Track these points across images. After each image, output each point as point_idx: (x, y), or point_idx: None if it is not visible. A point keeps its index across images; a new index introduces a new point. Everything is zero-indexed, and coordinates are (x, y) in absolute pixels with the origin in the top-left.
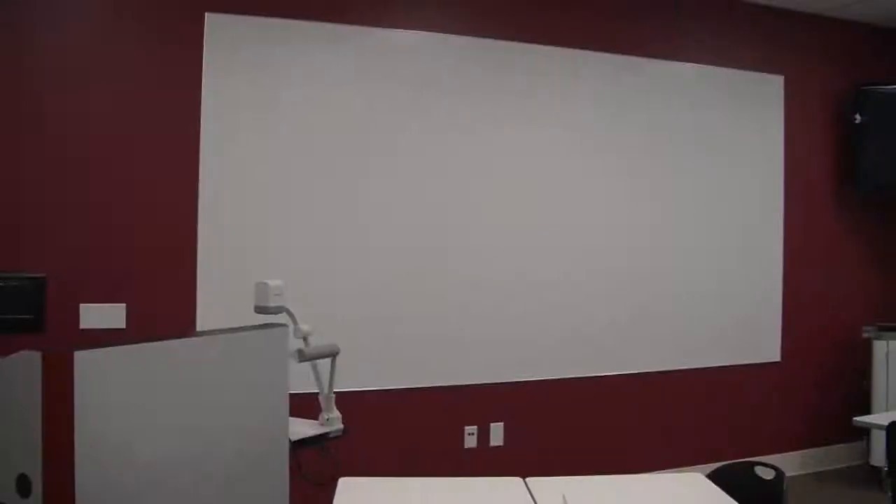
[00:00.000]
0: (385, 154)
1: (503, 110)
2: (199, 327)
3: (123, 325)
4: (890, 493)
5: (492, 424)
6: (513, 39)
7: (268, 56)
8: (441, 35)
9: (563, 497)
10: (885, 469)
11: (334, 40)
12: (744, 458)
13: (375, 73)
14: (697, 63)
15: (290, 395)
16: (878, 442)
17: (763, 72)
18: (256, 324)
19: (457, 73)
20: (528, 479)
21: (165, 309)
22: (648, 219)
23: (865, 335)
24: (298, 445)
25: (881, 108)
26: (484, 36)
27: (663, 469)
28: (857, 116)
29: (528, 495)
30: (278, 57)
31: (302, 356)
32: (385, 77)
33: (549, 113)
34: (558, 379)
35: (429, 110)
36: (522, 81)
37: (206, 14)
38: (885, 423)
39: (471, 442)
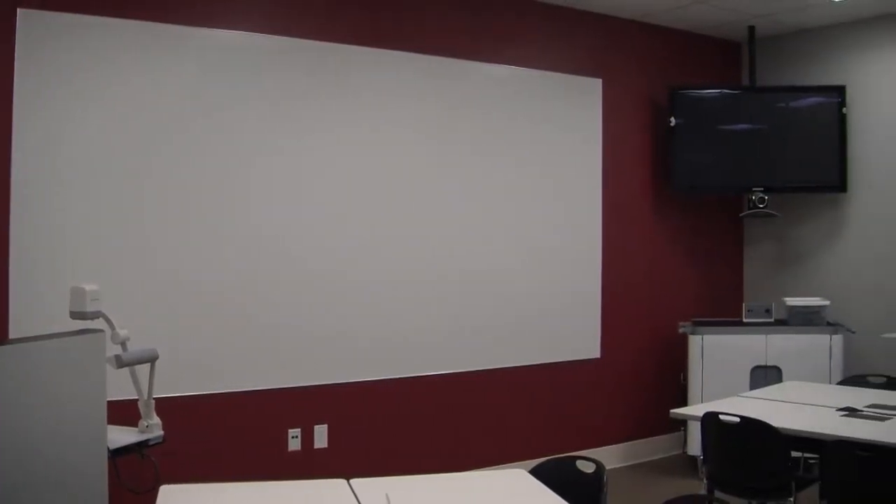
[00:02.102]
0: (207, 154)
1: (329, 111)
2: (11, 334)
3: None
4: (705, 480)
5: (315, 427)
6: (340, 41)
7: (85, 54)
8: (266, 36)
9: (387, 497)
10: (701, 458)
11: (153, 39)
12: (567, 452)
13: (198, 72)
14: (519, 66)
15: (108, 402)
16: (695, 432)
17: (582, 75)
18: (72, 330)
19: (281, 75)
20: (352, 481)
21: None
22: (470, 219)
23: (682, 330)
24: (117, 454)
25: (694, 111)
26: (307, 38)
27: (488, 466)
28: (672, 119)
29: (353, 496)
30: (97, 55)
31: (119, 362)
32: (208, 77)
33: (377, 114)
34: (383, 379)
35: (254, 110)
36: (352, 83)
37: (18, 10)
38: (700, 415)
39: (294, 445)
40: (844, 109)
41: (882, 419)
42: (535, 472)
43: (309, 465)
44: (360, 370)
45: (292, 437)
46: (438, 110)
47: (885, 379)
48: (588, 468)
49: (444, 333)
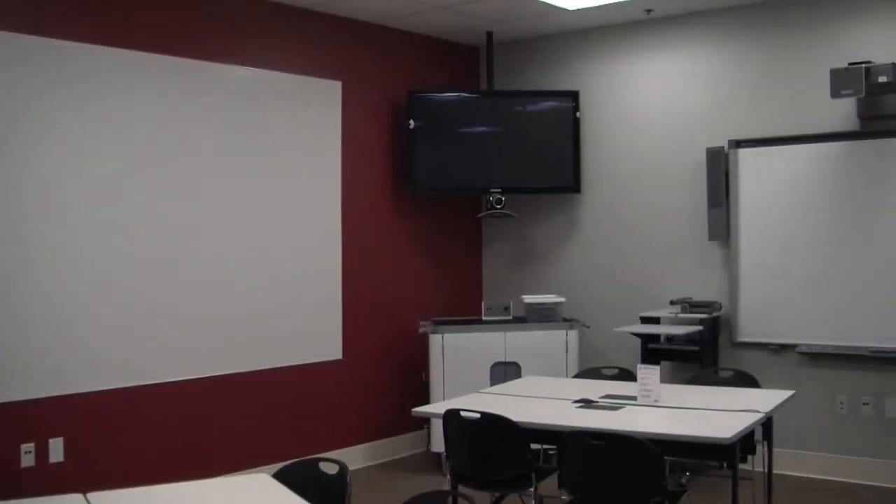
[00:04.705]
0: None
1: (64, 113)
2: None
3: None
4: (449, 476)
5: (50, 440)
6: (76, 40)
7: None
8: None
9: None
10: (444, 454)
11: None
12: (311, 455)
13: None
14: (257, 67)
15: None
16: (438, 429)
17: (321, 77)
18: None
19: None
20: (89, 495)
21: None
22: (210, 222)
23: (422, 330)
24: None
25: (433, 114)
26: (39, 35)
27: (230, 472)
28: (411, 122)
29: None
30: None
31: None
32: None
33: (113, 115)
34: (120, 388)
35: None
36: (87, 83)
37: None
38: (442, 412)
39: (28, 460)
40: (578, 113)
41: (615, 409)
42: (279, 476)
43: (44, 481)
44: (95, 379)
45: (25, 453)
46: (176, 112)
47: (617, 370)
48: (331, 469)
49: (181, 338)
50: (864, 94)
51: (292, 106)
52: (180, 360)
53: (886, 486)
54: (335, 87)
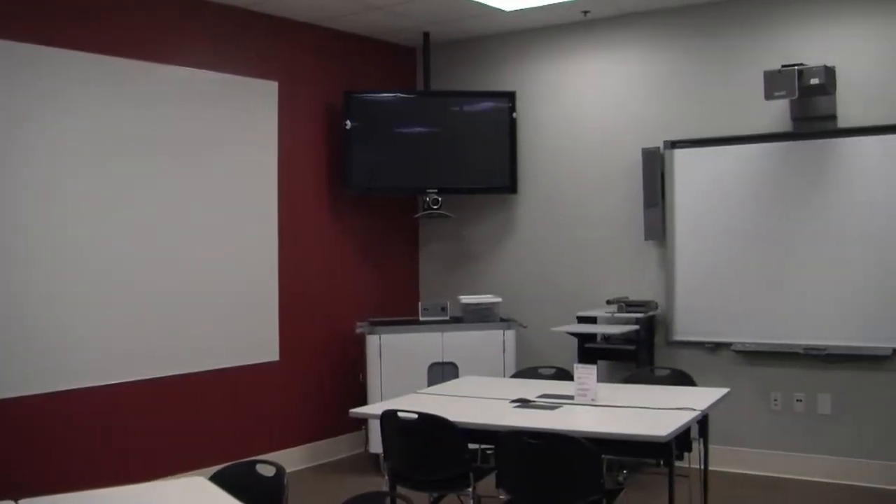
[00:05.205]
0: None
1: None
2: None
3: None
4: (387, 477)
5: None
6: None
7: None
8: None
9: None
10: (382, 455)
11: None
12: (248, 457)
13: None
14: (191, 67)
15: None
16: (375, 430)
17: (257, 77)
18: None
19: None
20: (20, 501)
21: None
22: (141, 222)
23: (359, 330)
24: None
25: (369, 115)
26: None
27: (166, 476)
28: (348, 122)
29: None
30: None
31: None
32: None
33: (41, 115)
34: (51, 392)
35: None
36: (15, 81)
37: None
38: (380, 413)
39: None
40: (515, 114)
41: (552, 408)
42: (216, 479)
43: None
44: (25, 383)
45: None
46: (107, 112)
47: (554, 370)
48: (268, 471)
49: (113, 341)
50: (796, 96)
51: (228, 106)
52: (113, 363)
53: (819, 480)
54: (271, 87)
